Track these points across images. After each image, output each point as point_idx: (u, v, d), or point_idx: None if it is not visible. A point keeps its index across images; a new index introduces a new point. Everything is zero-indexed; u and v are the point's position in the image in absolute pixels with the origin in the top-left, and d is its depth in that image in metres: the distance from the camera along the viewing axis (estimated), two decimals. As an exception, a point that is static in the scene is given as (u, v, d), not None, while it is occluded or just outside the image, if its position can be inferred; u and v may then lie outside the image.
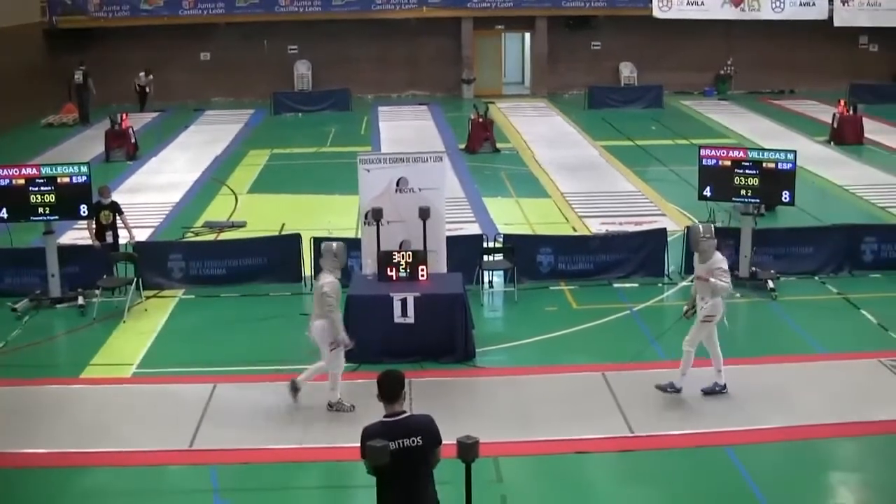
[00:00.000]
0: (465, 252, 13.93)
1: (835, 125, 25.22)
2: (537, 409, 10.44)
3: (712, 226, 10.71)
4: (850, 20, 32.49)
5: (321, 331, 10.27)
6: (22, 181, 13.54)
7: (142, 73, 32.01)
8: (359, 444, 6.37)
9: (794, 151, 14.11)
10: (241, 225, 17.91)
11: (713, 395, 10.47)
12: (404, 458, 6.32)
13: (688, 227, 10.52)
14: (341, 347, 10.28)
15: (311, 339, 10.50)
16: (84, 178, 13.74)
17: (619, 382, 10.90)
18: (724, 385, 10.50)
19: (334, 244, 10.56)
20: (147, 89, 32.23)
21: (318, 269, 10.34)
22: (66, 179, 13.64)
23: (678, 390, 10.47)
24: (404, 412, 6.47)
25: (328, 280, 10.23)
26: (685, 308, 10.92)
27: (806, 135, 26.22)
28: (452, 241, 13.24)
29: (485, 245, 14.51)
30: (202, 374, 11.36)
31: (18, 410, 10.56)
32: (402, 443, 6.32)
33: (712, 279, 10.09)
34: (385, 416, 6.46)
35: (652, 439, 9.72)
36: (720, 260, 10.30)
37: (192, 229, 17.69)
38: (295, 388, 10.41)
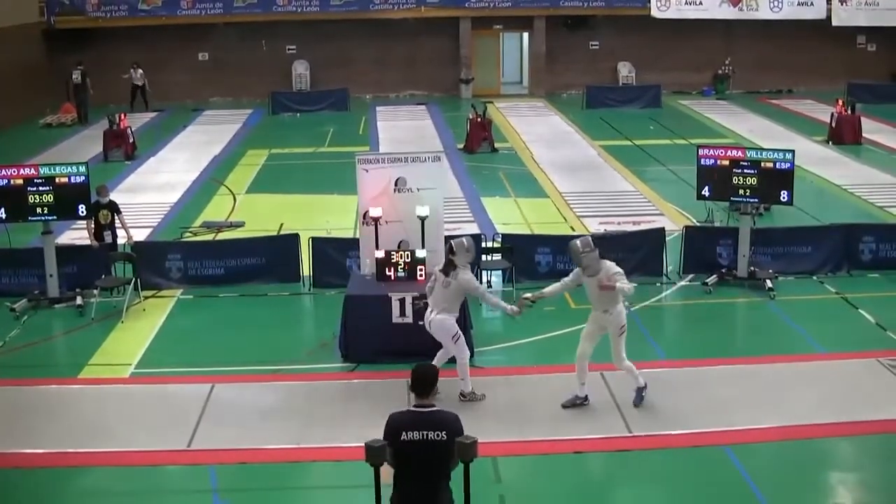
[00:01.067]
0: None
1: (833, 125, 25.24)
2: (535, 408, 10.44)
3: (590, 238, 10.39)
4: (849, 20, 32.53)
5: (441, 324, 10.36)
6: (20, 181, 13.53)
7: (131, 70, 31.80)
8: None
9: (793, 151, 14.11)
10: (240, 225, 17.91)
11: (575, 408, 10.34)
12: (427, 450, 6.34)
13: (567, 244, 10.31)
14: (462, 337, 10.40)
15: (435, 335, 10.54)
16: (82, 178, 13.72)
17: (618, 382, 10.87)
18: (586, 397, 10.40)
19: (464, 239, 10.60)
20: (140, 84, 31.95)
21: (449, 267, 10.35)
22: (65, 179, 13.61)
23: (644, 387, 10.36)
24: (433, 406, 6.49)
25: (466, 276, 10.34)
26: (530, 296, 10.39)
27: (804, 134, 26.24)
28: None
29: (483, 245, 14.50)
30: (200, 374, 11.36)
31: (17, 410, 10.56)
32: (427, 435, 6.33)
33: (618, 284, 9.79)
34: (414, 406, 6.49)
35: (650, 439, 9.72)
36: (612, 266, 10.02)
37: (190, 229, 17.68)
38: (469, 397, 10.45)
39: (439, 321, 10.40)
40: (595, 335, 10.32)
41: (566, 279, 10.43)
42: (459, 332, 10.47)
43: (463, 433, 6.44)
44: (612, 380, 10.93)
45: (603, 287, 9.86)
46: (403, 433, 6.32)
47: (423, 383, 6.51)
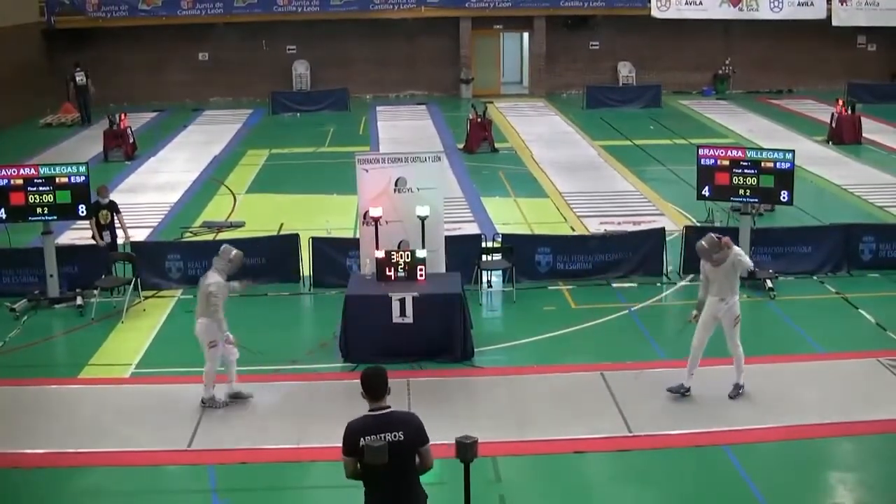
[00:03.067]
0: (464, 252, 13.94)
1: (833, 125, 25.24)
2: (536, 408, 10.44)
3: (713, 236, 10.56)
4: (849, 20, 32.56)
5: (203, 329, 10.35)
6: (20, 181, 13.54)
7: (74, 73, 29.69)
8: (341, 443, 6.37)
9: (793, 151, 14.12)
10: (240, 225, 17.90)
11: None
12: (388, 452, 6.28)
13: (697, 246, 10.51)
14: (219, 346, 10.36)
15: (197, 337, 10.52)
16: (82, 178, 13.73)
17: (618, 382, 10.90)
18: (689, 389, 10.53)
19: (234, 250, 10.62)
20: (89, 89, 30.19)
21: (208, 267, 10.51)
22: (65, 179, 13.63)
23: (741, 385, 10.50)
24: (388, 407, 6.45)
25: (215, 280, 10.31)
26: (694, 313, 10.64)
27: (804, 134, 26.23)
28: (451, 241, 13.24)
29: (483, 245, 14.51)
30: (200, 374, 11.33)
31: (17, 410, 10.57)
32: (385, 437, 6.29)
33: (739, 258, 10.18)
34: (370, 410, 6.45)
35: (650, 439, 9.72)
36: (738, 251, 10.38)
37: (190, 229, 17.68)
38: (208, 403, 10.48)
39: (198, 326, 10.38)
40: (710, 324, 10.44)
41: (701, 280, 10.60)
42: (215, 340, 10.35)
43: (424, 432, 6.40)
44: (612, 380, 10.94)
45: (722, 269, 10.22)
46: (362, 439, 6.28)
47: (376, 386, 6.44)
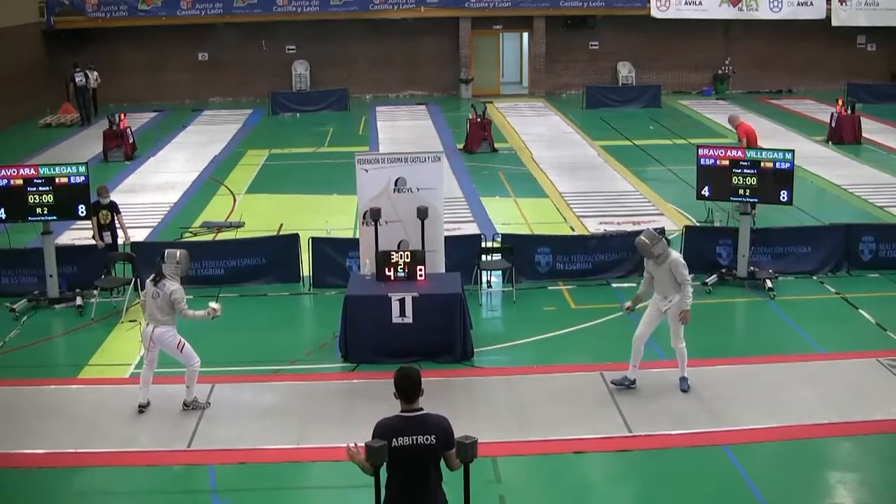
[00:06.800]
0: (464, 252, 13.94)
1: (833, 125, 25.25)
2: (535, 408, 10.44)
3: (652, 230, 10.72)
4: (848, 20, 32.61)
5: (161, 338, 10.29)
6: (20, 181, 13.53)
7: (86, 72, 29.78)
8: (362, 444, 6.36)
9: (792, 151, 14.11)
10: (239, 225, 17.90)
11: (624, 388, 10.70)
12: (418, 455, 6.33)
13: (635, 243, 10.65)
14: (187, 344, 10.36)
15: (147, 345, 10.44)
16: (82, 178, 13.72)
17: (618, 382, 10.90)
18: (635, 381, 10.75)
19: (178, 251, 10.57)
20: (95, 87, 30.38)
21: (158, 276, 10.32)
22: (65, 180, 13.62)
23: (686, 378, 10.67)
24: (421, 409, 6.47)
25: (175, 287, 10.27)
26: (627, 304, 10.88)
27: (804, 134, 26.24)
28: (451, 241, 13.25)
29: (483, 245, 14.50)
30: (200, 373, 11.34)
31: (16, 411, 10.56)
32: (416, 439, 6.32)
33: (675, 264, 10.35)
34: (402, 411, 6.45)
35: (650, 439, 9.72)
36: (678, 258, 10.53)
37: (190, 229, 17.68)
38: (192, 405, 10.48)
39: (159, 335, 10.32)
40: (654, 318, 10.65)
41: (645, 276, 10.83)
42: (182, 340, 10.38)
43: (453, 434, 6.43)
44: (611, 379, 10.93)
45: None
46: (394, 439, 6.29)
47: (408, 388, 6.46)
